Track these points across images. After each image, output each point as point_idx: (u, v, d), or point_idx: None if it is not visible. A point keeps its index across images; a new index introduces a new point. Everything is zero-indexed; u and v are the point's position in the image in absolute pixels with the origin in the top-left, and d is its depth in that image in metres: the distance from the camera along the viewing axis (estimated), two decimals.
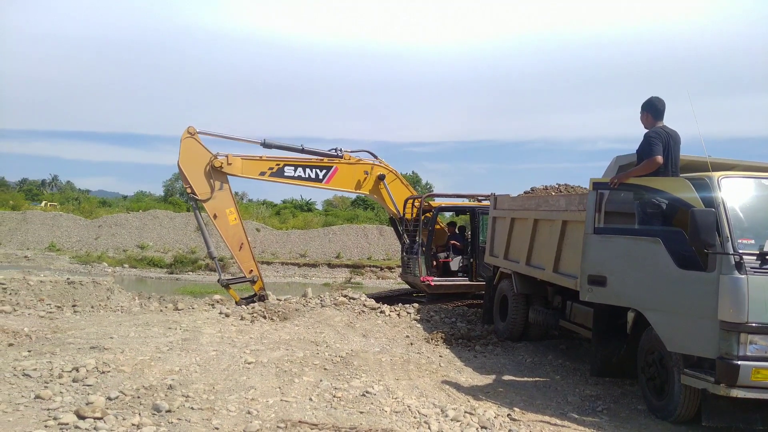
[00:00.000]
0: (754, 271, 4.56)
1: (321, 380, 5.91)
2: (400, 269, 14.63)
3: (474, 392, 5.97)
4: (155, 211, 38.24)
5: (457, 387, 6.15)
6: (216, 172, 11.53)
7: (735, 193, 5.01)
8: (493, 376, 6.78)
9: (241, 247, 11.73)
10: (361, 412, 5.00)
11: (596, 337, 6.17)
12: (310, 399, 5.31)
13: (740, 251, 4.60)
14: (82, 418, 4.32)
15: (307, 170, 12.38)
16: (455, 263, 12.86)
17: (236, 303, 11.42)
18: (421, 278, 12.26)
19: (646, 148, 5.66)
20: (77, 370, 5.50)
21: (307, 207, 51.90)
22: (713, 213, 4.75)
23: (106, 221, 36.16)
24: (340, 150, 12.72)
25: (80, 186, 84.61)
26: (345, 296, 11.18)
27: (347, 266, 30.88)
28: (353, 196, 58.18)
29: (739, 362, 4.51)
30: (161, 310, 10.40)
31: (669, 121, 5.91)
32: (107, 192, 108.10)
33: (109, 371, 5.58)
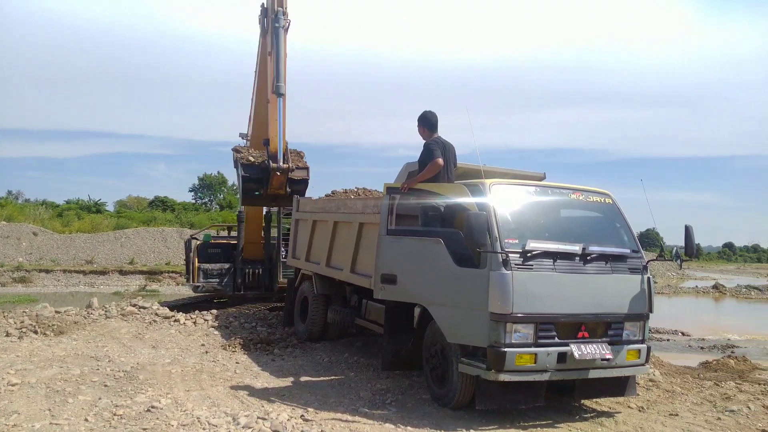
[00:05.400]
0: (518, 267, 5.13)
1: (100, 398, 5.38)
2: (186, 277, 13.56)
3: (268, 396, 5.88)
4: None
5: (252, 393, 6.00)
6: None
7: (504, 198, 5.57)
8: (291, 379, 6.76)
9: None
10: (144, 429, 4.64)
11: (387, 332, 6.43)
12: (86, 419, 4.80)
13: (507, 250, 5.14)
14: None
15: None
16: None
17: None
18: None
19: (428, 155, 6.09)
20: None
21: (95, 208, 47.29)
22: (485, 215, 5.25)
23: None
24: None
25: None
26: (134, 305, 10.38)
27: (142, 273, 28.69)
28: (151, 196, 54.19)
29: (505, 349, 5.03)
30: None
31: (454, 131, 6.43)
32: None
33: None
